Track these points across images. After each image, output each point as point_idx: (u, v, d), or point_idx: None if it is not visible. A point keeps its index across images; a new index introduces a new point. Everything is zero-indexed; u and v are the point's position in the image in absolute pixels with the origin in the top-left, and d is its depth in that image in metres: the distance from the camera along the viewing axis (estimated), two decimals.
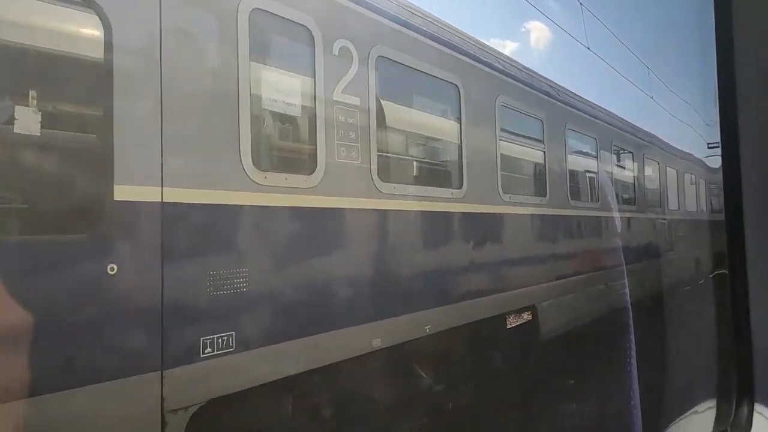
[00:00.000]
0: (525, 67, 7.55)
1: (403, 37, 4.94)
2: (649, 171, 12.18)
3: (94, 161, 2.84)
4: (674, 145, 14.75)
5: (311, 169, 3.98)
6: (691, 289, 13.42)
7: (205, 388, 3.19)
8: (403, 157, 5.09)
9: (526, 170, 7.39)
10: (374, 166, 4.50)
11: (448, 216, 5.44)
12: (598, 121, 9.51)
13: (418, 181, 5.18)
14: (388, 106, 4.84)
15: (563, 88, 8.82)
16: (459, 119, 5.65)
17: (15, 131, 2.51)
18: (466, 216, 5.71)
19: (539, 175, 7.48)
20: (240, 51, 3.49)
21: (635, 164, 11.11)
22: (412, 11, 5.19)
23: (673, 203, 13.62)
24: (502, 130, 6.48)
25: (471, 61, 5.97)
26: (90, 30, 2.83)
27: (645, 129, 12.80)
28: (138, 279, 2.88)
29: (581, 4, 12.35)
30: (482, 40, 6.73)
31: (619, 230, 10.12)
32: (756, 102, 1.73)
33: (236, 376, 3.34)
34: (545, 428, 6.12)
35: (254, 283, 3.45)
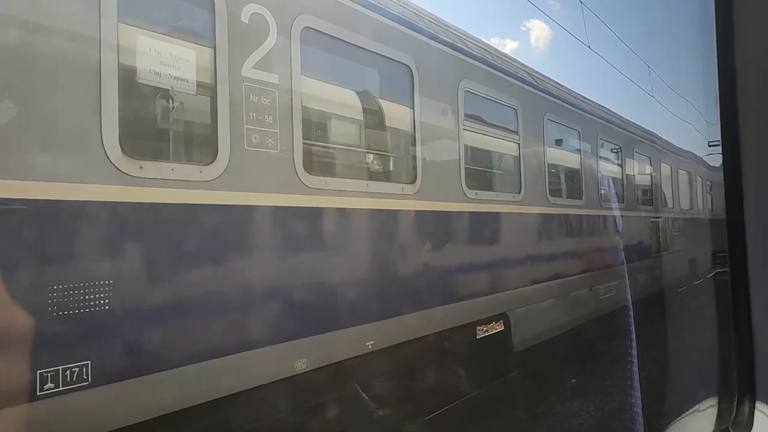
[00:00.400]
0: (498, 51, 6.87)
1: (339, 7, 4.25)
2: (640, 167, 11.51)
3: None
4: (670, 141, 14.10)
5: (210, 158, 3.30)
6: (686, 290, 12.77)
7: None
8: (339, 146, 4.41)
9: (496, 164, 6.70)
10: (298, 156, 3.81)
11: (397, 215, 4.76)
12: (582, 112, 8.83)
13: (359, 174, 4.49)
14: (320, 87, 4.16)
15: (543, 75, 8.14)
16: (412, 105, 4.97)
17: None
18: (421, 215, 5.03)
19: (513, 169, 6.80)
20: (104, 7, 2.80)
21: (625, 159, 10.43)
22: None
23: (668, 201, 12.94)
24: (468, 118, 5.80)
25: (428, 40, 5.28)
26: None
27: (637, 123, 12.15)
28: None
29: (581, 2, 11.73)
30: (443, 22, 6.05)
31: (606, 230, 9.45)
32: (757, 100, 1.71)
33: (93, 417, 2.65)
34: None
35: (121, 299, 2.76)
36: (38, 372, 2.47)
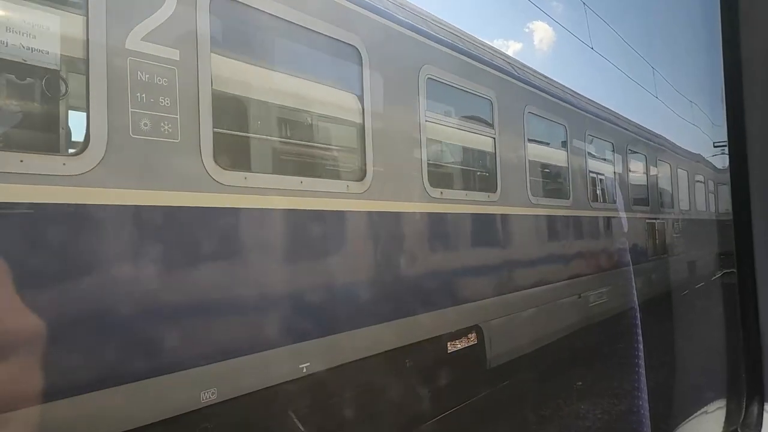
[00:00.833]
0: (469, 36, 6.27)
1: None
2: (635, 165, 10.87)
3: None
4: (670, 140, 13.46)
5: (80, 147, 2.70)
6: (687, 294, 12.12)
7: None
8: (265, 137, 3.81)
9: (467, 160, 6.10)
10: (207, 147, 3.21)
11: (342, 216, 4.15)
12: (569, 106, 8.21)
13: (290, 169, 3.89)
14: (240, 67, 3.56)
15: (524, 65, 7.53)
16: (361, 92, 4.37)
17: None
18: (372, 216, 4.42)
19: (487, 166, 6.18)
20: None
21: (618, 157, 9.79)
22: None
23: (666, 201, 12.28)
24: (432, 108, 5.19)
25: (382, 20, 4.69)
26: None
27: (635, 121, 11.53)
28: None
29: (584, 4, 11.23)
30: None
31: (597, 232, 8.82)
32: (763, 100, 1.69)
33: None
34: None
35: None
36: None
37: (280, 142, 3.88)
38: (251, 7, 3.55)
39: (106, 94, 2.76)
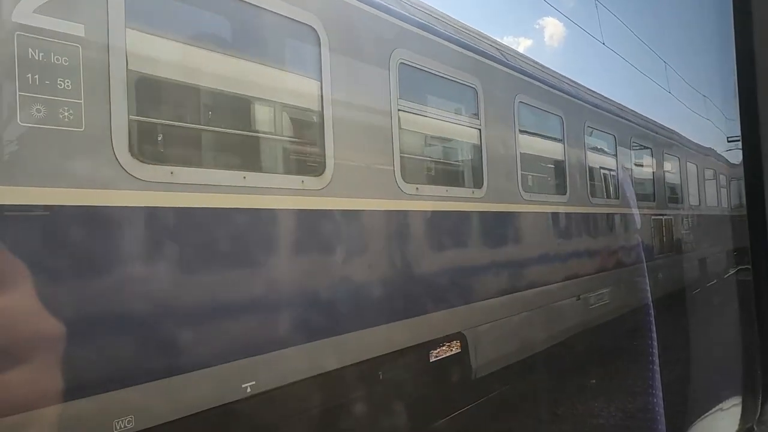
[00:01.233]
0: (450, 19, 5.78)
1: None
2: (640, 159, 10.32)
3: None
4: (680, 133, 12.86)
5: None
6: (697, 294, 11.55)
7: None
8: (200, 127, 3.36)
9: (448, 154, 5.64)
10: (120, 137, 2.78)
11: (296, 215, 3.71)
12: (566, 95, 7.69)
13: (230, 164, 3.45)
14: (165, 46, 3.12)
15: (515, 51, 7.03)
16: (320, 77, 3.92)
17: None
18: (333, 215, 3.98)
19: (472, 160, 5.71)
20: None
21: (621, 150, 9.24)
22: None
23: (674, 197, 11.70)
24: (405, 96, 4.74)
25: None
26: None
27: (640, 113, 10.96)
28: None
29: None
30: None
31: (597, 230, 8.30)
32: None
33: None
34: None
35: None
36: None
37: (219, 131, 3.44)
38: None
39: None
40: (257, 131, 3.68)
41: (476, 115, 5.66)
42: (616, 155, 9.01)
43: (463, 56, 5.53)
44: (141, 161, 2.86)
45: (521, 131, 6.41)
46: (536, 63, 7.50)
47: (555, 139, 7.36)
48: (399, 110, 4.66)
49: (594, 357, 7.86)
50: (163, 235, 2.93)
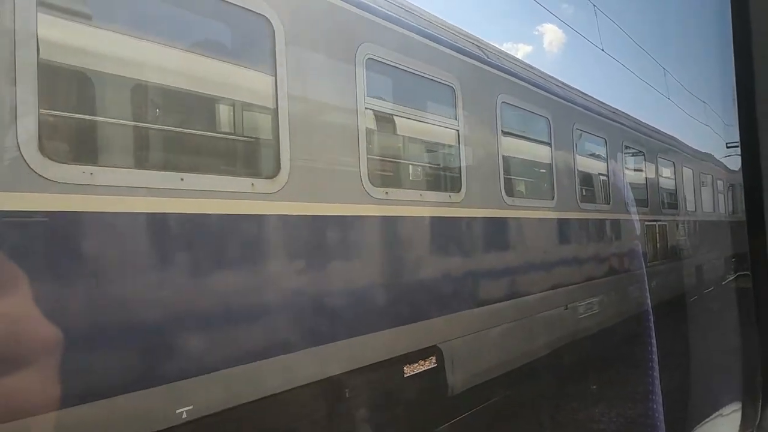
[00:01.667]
0: (425, 13, 5.48)
1: None
2: (633, 163, 10.03)
3: None
4: (672, 135, 12.54)
5: None
6: (693, 301, 11.23)
7: None
8: (125, 122, 3.03)
9: (422, 156, 5.33)
10: (27, 133, 2.46)
11: (243, 221, 3.39)
12: (554, 96, 7.39)
13: (165, 164, 3.13)
14: (86, 33, 2.81)
15: (498, 50, 6.74)
16: (273, 72, 3.60)
17: None
18: (289, 221, 3.67)
19: (450, 163, 5.40)
20: None
21: (613, 155, 8.93)
22: None
23: (668, 202, 11.38)
24: (374, 95, 4.44)
25: None
26: None
27: (634, 116, 10.66)
28: None
29: (594, 6, 10.68)
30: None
31: (587, 236, 7.98)
32: None
33: None
34: None
35: None
36: None
37: (152, 128, 3.12)
38: None
39: None
40: (198, 129, 3.36)
41: (454, 115, 5.35)
42: (606, 159, 8.71)
43: (439, 53, 5.23)
44: (54, 161, 2.54)
45: (504, 133, 6.11)
46: (522, 62, 7.22)
47: (541, 142, 7.05)
48: (367, 109, 4.35)
49: (583, 369, 7.54)
50: (77, 244, 2.61)
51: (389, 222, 4.50)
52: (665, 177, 11.31)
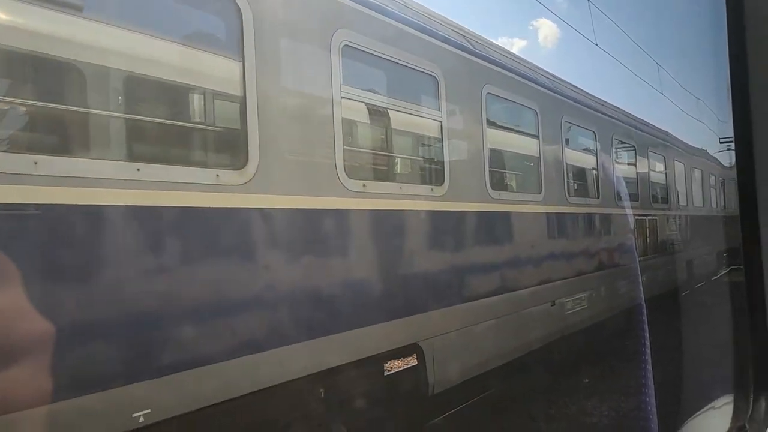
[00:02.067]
0: (407, 1, 5.29)
1: None
2: (623, 157, 9.91)
3: None
4: (664, 130, 12.42)
5: None
6: (685, 296, 11.17)
7: None
8: (72, 108, 2.83)
9: (403, 148, 5.16)
10: None
11: (207, 215, 3.22)
12: (542, 88, 7.23)
13: (116, 153, 2.95)
14: (16, 11, 2.62)
15: (484, 39, 6.56)
16: (240, 57, 3.43)
17: None
18: (258, 214, 3.50)
19: (430, 155, 5.24)
20: None
21: (601, 147, 8.79)
22: None
23: (659, 197, 11.28)
24: (350, 84, 4.26)
25: None
26: None
27: (626, 111, 10.52)
28: None
29: (589, 0, 10.55)
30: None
31: (576, 231, 7.86)
32: None
33: None
34: None
35: None
36: None
37: (104, 115, 2.92)
38: None
39: None
40: (158, 117, 3.18)
41: (437, 106, 5.19)
42: (596, 153, 8.57)
43: (421, 41, 5.06)
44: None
45: (490, 124, 5.95)
46: (509, 53, 7.05)
47: (529, 134, 6.90)
48: (343, 98, 4.17)
49: (570, 366, 7.44)
50: (16, 240, 2.43)
51: (367, 216, 4.34)
52: (656, 171, 11.21)
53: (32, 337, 2.27)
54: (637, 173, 10.12)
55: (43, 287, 2.44)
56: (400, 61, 4.78)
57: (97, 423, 2.65)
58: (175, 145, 3.27)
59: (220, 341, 3.17)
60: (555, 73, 8.17)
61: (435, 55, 5.16)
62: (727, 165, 17.01)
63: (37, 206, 2.48)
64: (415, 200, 4.82)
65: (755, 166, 1.73)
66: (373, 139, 4.80)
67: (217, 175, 3.26)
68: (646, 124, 11.33)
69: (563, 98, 7.79)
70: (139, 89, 3.11)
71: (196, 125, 3.41)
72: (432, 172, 5.16)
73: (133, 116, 3.03)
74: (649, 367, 4.75)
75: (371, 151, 4.71)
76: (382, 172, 4.73)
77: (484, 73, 5.95)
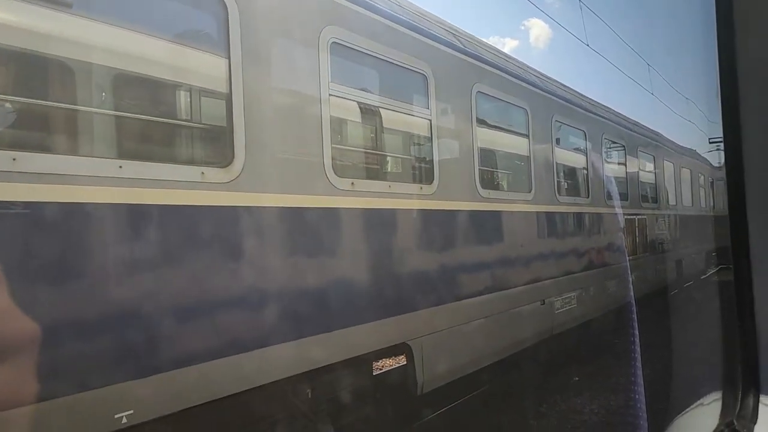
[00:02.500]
0: None
1: None
2: (613, 156, 9.96)
3: None
4: (654, 130, 12.48)
5: None
6: (674, 295, 11.25)
7: None
8: (51, 103, 2.77)
9: (392, 146, 5.13)
10: None
11: (191, 213, 3.18)
12: (531, 87, 7.24)
13: (97, 149, 2.90)
14: None
15: (474, 38, 6.55)
16: (226, 53, 3.39)
17: None
18: (245, 212, 3.46)
19: (420, 154, 5.23)
20: None
21: (591, 147, 8.82)
22: None
23: (649, 196, 11.34)
24: (339, 82, 4.23)
25: None
26: None
27: (614, 109, 10.57)
28: None
29: (580, 1, 10.57)
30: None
31: (567, 230, 7.88)
32: (759, 95, 1.71)
33: None
34: None
35: None
36: None
37: (87, 111, 2.87)
38: None
39: None
40: (141, 113, 3.13)
41: (426, 104, 5.17)
42: (586, 152, 8.60)
43: (410, 39, 5.03)
44: None
45: (480, 123, 5.94)
46: (499, 51, 7.05)
47: (519, 134, 6.90)
48: (331, 95, 4.14)
49: (560, 365, 7.46)
50: None
51: (356, 214, 4.31)
52: (646, 171, 11.27)
53: (15, 336, 2.23)
54: (626, 173, 10.17)
55: (23, 286, 2.40)
56: (389, 59, 4.76)
57: (79, 424, 2.60)
58: (159, 142, 3.22)
59: (205, 340, 3.12)
60: (546, 73, 8.22)
61: (425, 53, 5.14)
62: (717, 165, 17.13)
63: (16, 204, 2.42)
64: (405, 199, 4.80)
65: (744, 166, 1.74)
66: (362, 137, 4.77)
67: (202, 173, 3.22)
68: (636, 124, 11.39)
69: (554, 98, 7.80)
70: (122, 85, 3.06)
71: (180, 122, 3.36)
72: (421, 171, 5.14)
73: (115, 113, 2.98)
74: (639, 364, 4.77)
75: (360, 149, 4.69)
76: (371, 170, 4.70)
77: (474, 71, 5.94)
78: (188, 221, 3.14)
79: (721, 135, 1.85)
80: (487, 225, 5.99)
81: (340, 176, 4.14)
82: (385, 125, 4.88)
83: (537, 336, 6.77)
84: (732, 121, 1.75)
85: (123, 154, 2.92)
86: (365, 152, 4.71)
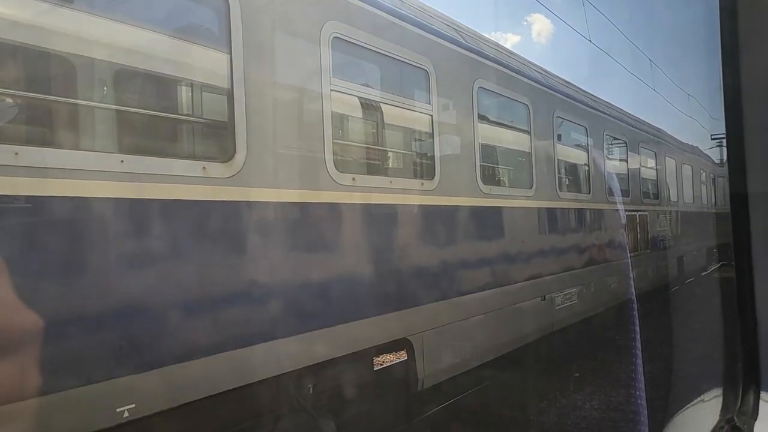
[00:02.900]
0: None
1: None
2: (614, 152, 9.94)
3: None
4: (655, 126, 12.45)
5: None
6: (675, 291, 11.24)
7: None
8: (50, 98, 2.78)
9: (393, 142, 5.13)
10: None
11: (190, 207, 3.19)
12: (533, 83, 7.21)
13: (97, 144, 2.91)
14: None
15: (476, 33, 6.53)
16: (227, 49, 3.38)
17: None
18: (246, 207, 3.46)
19: (421, 149, 5.22)
20: None
21: (592, 142, 8.81)
22: None
23: (650, 192, 11.32)
24: (340, 77, 4.22)
25: None
26: None
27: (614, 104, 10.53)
28: None
29: None
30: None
31: (568, 226, 7.87)
32: (762, 92, 1.71)
33: None
34: None
35: None
36: None
37: (89, 105, 2.88)
38: None
39: None
40: (143, 108, 3.13)
41: (427, 99, 5.16)
42: (587, 148, 8.58)
43: (412, 34, 5.02)
44: None
45: (481, 119, 5.93)
46: (501, 47, 7.03)
47: (520, 129, 6.88)
48: (333, 91, 4.14)
49: (561, 360, 7.47)
50: None
51: (357, 210, 4.32)
52: (647, 167, 11.25)
53: (18, 330, 2.23)
54: (628, 169, 10.15)
55: (25, 280, 2.40)
56: (390, 54, 4.75)
57: (79, 417, 2.62)
58: (160, 137, 3.22)
59: (206, 335, 3.13)
60: (549, 69, 8.20)
61: (426, 49, 5.13)
62: (718, 161, 17.09)
63: (19, 198, 2.43)
64: (406, 194, 4.80)
65: (746, 163, 1.74)
66: (363, 132, 4.77)
67: (204, 168, 3.22)
68: (637, 120, 11.36)
69: (555, 93, 7.78)
70: (124, 80, 3.06)
71: (181, 117, 3.37)
72: (422, 166, 5.14)
73: (116, 107, 2.98)
74: (640, 361, 4.78)
75: (361, 144, 4.69)
76: (372, 165, 4.70)
77: (475, 67, 5.92)
78: (190, 216, 3.14)
79: (724, 131, 1.85)
80: (488, 221, 5.99)
81: (341, 171, 4.14)
82: (386, 121, 4.88)
83: (537, 332, 6.77)
84: (734, 117, 1.75)
85: (124, 148, 2.92)
86: (366, 147, 4.71)
